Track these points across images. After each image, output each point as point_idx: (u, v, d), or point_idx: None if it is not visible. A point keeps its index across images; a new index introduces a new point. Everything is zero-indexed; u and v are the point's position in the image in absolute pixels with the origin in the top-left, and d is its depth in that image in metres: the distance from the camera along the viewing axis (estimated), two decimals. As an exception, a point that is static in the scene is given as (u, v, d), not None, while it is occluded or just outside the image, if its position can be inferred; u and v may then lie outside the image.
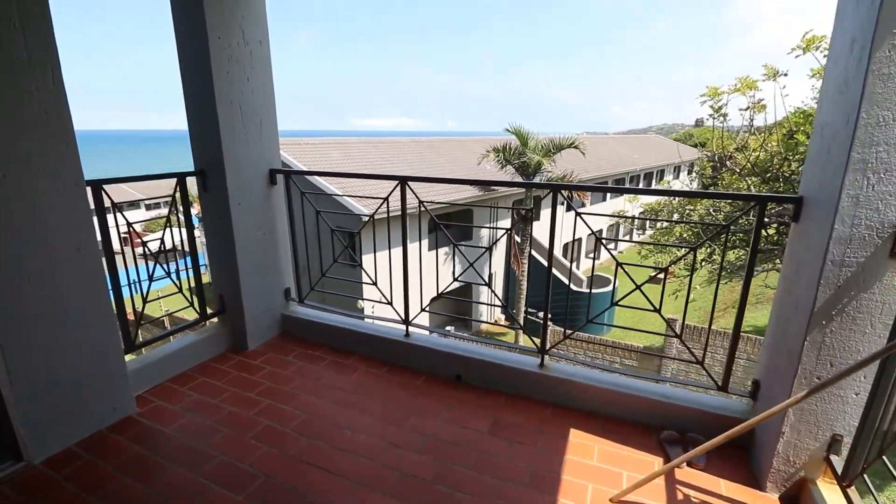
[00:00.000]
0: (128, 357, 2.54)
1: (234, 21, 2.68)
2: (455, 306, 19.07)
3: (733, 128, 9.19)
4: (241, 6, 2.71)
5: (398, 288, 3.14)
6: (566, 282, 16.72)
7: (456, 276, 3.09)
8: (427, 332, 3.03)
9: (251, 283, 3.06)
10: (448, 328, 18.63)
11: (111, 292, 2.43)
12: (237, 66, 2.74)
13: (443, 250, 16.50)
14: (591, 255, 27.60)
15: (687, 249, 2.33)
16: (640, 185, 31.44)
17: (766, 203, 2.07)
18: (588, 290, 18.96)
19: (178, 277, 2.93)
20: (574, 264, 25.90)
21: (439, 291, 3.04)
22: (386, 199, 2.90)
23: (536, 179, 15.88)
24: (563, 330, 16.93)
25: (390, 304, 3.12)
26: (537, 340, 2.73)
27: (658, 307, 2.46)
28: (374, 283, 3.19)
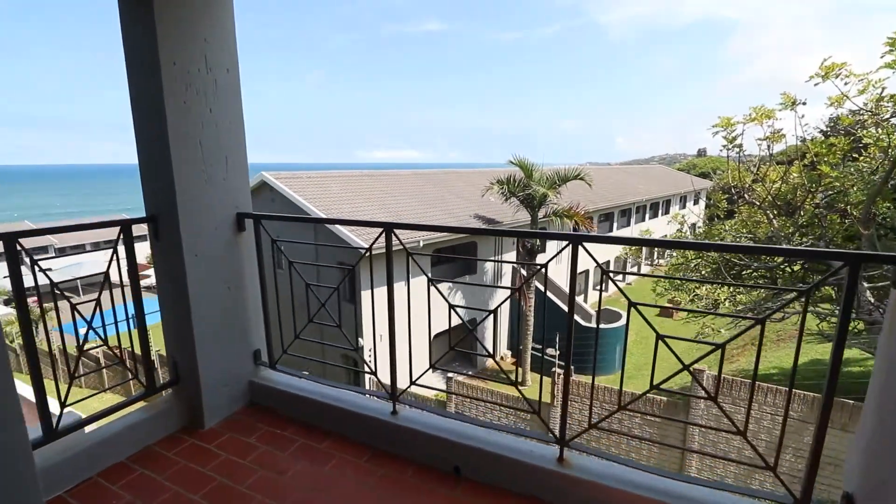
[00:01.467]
0: (45, 448, 2.04)
1: (194, 45, 2.30)
2: (458, 342, 18.35)
3: (744, 158, 8.79)
4: (204, 29, 2.34)
5: (389, 349, 2.63)
6: (577, 319, 15.97)
7: (452, 320, 2.55)
8: (420, 411, 2.49)
9: (211, 348, 2.57)
10: (454, 364, 17.88)
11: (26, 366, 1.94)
12: (197, 96, 2.35)
13: (445, 285, 15.99)
14: (599, 287, 26.71)
15: (752, 321, 1.82)
16: (647, 216, 31.05)
17: (859, 263, 1.57)
18: (598, 326, 18.16)
19: (120, 343, 2.45)
20: (582, 296, 25.21)
21: (434, 338, 2.52)
22: (369, 248, 2.43)
23: (542, 212, 15.51)
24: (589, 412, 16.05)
25: (374, 374, 2.60)
26: (555, 427, 2.18)
27: (688, 365, 1.94)
28: (356, 349, 2.67)
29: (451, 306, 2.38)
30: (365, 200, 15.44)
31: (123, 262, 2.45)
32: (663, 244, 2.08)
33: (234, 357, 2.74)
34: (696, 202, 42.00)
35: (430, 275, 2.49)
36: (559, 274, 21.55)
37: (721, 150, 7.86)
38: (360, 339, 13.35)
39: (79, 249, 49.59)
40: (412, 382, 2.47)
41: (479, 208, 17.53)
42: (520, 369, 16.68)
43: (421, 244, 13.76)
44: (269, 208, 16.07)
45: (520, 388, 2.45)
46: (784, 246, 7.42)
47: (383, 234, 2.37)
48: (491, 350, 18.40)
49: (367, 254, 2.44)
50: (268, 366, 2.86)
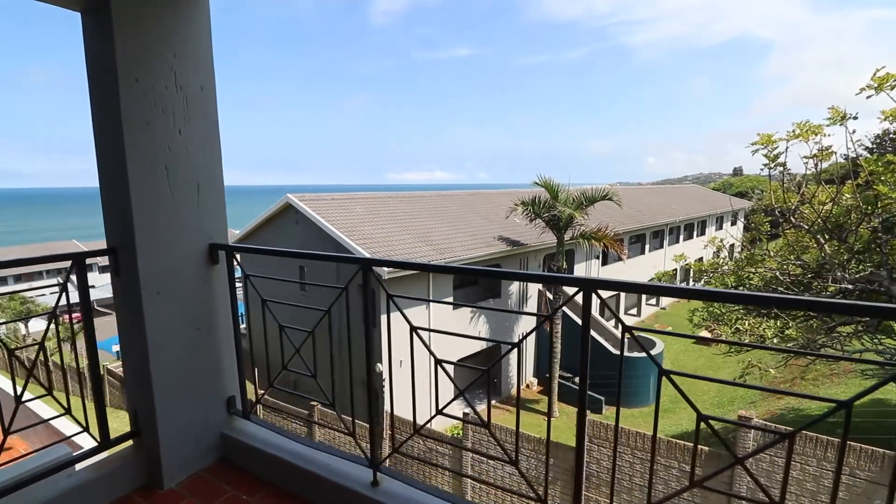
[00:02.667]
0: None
1: (160, 59, 2.08)
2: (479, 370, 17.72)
3: (786, 177, 8.11)
4: (173, 42, 2.13)
5: (368, 406, 2.27)
6: (605, 345, 15.19)
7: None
8: (407, 486, 2.09)
9: (175, 396, 2.27)
10: (477, 392, 17.23)
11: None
12: (164, 115, 2.12)
13: (468, 310, 15.53)
14: (623, 340, 25.90)
15: (834, 405, 1.32)
16: (681, 237, 29.80)
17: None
18: (628, 354, 17.26)
19: (67, 391, 2.18)
20: (612, 322, 24.12)
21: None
22: (345, 288, 2.10)
23: (568, 233, 14.96)
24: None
25: (351, 435, 2.23)
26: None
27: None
28: (331, 404, 2.32)
29: (438, 361, 2.00)
30: (387, 222, 15.32)
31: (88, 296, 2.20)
32: (683, 293, 1.60)
33: (204, 406, 2.43)
34: (733, 223, 40.20)
35: (452, 298, 2.10)
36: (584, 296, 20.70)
37: (762, 169, 7.25)
38: (378, 365, 13.01)
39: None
40: (394, 450, 2.08)
41: (503, 230, 17.13)
42: (544, 399, 15.88)
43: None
44: (293, 230, 16.18)
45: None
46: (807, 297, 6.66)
47: (361, 272, 2.02)
48: (516, 377, 17.69)
49: (343, 294, 2.09)
50: (241, 416, 2.54)
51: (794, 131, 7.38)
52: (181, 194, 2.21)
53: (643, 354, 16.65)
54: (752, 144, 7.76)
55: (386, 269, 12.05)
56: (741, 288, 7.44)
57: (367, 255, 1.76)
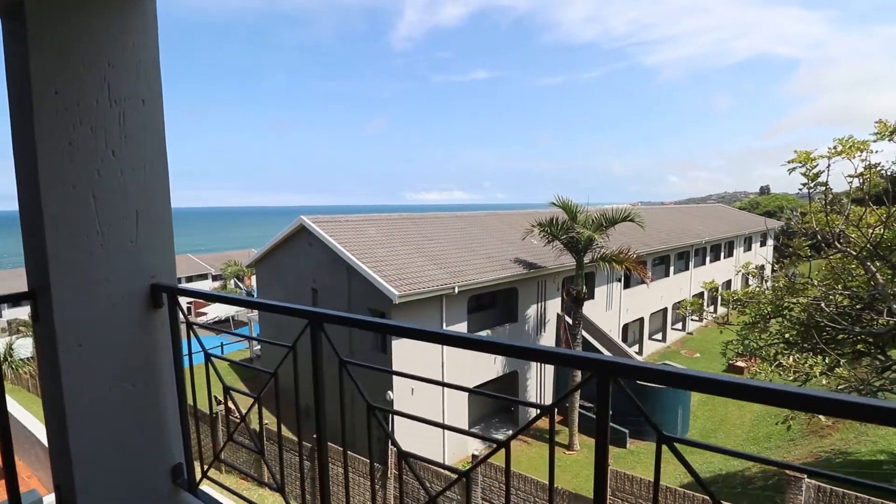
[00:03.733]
0: None
1: (90, 69, 1.77)
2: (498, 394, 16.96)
3: (819, 196, 7.46)
4: (107, 51, 1.81)
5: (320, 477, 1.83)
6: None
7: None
8: None
9: (102, 467, 1.88)
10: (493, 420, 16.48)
11: None
12: (93, 134, 1.79)
13: (484, 335, 14.94)
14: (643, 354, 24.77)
15: None
16: (707, 258, 28.64)
17: None
18: (654, 385, 16.26)
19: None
20: (635, 347, 23.10)
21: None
22: (292, 347, 1.69)
23: (588, 256, 14.35)
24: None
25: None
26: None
27: None
28: (280, 491, 1.88)
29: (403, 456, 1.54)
30: (402, 244, 15.02)
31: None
32: (734, 390, 1.14)
33: (143, 477, 2.03)
34: (762, 244, 38.59)
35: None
36: (607, 321, 19.87)
37: (800, 189, 6.64)
38: (389, 393, 12.51)
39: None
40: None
41: (519, 251, 16.62)
42: (564, 429, 15.03)
43: (456, 290, 12.99)
44: (308, 252, 16.04)
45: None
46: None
47: (309, 329, 1.60)
48: (534, 400, 16.87)
49: (291, 353, 1.68)
50: (187, 489, 2.13)
51: (835, 147, 6.78)
52: (113, 227, 1.87)
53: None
54: (789, 162, 7.17)
55: (397, 292, 11.68)
56: (782, 321, 6.74)
57: (316, 311, 1.40)
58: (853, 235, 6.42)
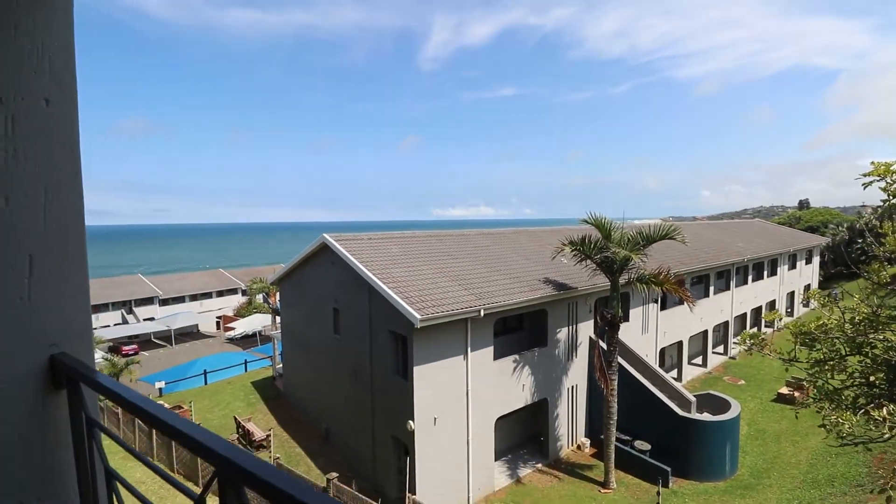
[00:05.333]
0: None
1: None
2: (525, 425, 16.02)
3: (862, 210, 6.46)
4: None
5: None
6: (670, 405, 13.13)
7: None
8: None
9: None
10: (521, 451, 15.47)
11: None
12: (-39, 147, 1.24)
13: (511, 360, 14.09)
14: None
15: None
16: (749, 277, 26.88)
17: None
18: (698, 417, 14.87)
19: None
20: (673, 373, 21.61)
21: None
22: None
23: (623, 277, 13.39)
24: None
25: None
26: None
27: None
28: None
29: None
30: (424, 263, 14.43)
31: None
32: None
33: None
34: (807, 261, 36.19)
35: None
36: (643, 344, 18.62)
37: (863, 206, 5.67)
38: (410, 423, 11.78)
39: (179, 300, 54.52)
40: None
41: (549, 271, 15.76)
42: (599, 464, 13.88)
43: (482, 314, 12.25)
44: (329, 271, 15.67)
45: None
46: None
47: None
48: (566, 436, 15.78)
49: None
50: None
51: (923, 158, 5.82)
52: (-7, 278, 1.31)
53: (717, 418, 14.36)
54: (864, 175, 6.25)
55: (419, 315, 11.04)
56: (865, 361, 5.71)
57: (232, 458, 0.86)
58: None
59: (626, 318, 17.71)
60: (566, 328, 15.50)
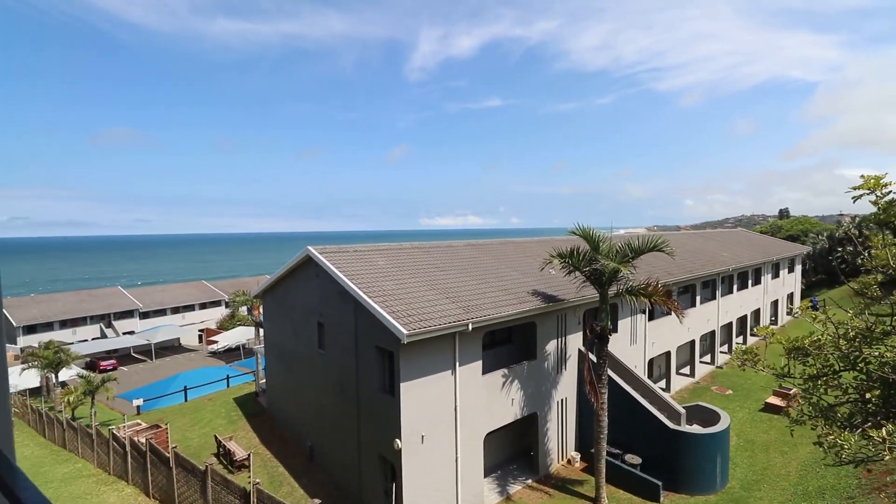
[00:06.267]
0: None
1: None
2: (515, 440, 15.74)
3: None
4: None
5: None
6: (659, 417, 12.91)
7: None
8: None
9: None
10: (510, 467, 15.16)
11: None
12: None
13: (500, 374, 13.85)
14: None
15: None
16: (734, 286, 27.15)
17: None
18: (688, 429, 14.72)
19: None
20: (662, 383, 21.58)
21: None
22: None
23: (612, 289, 13.30)
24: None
25: None
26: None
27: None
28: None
29: None
30: (411, 276, 14.17)
31: None
32: None
33: None
34: (790, 270, 36.78)
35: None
36: (632, 355, 18.56)
37: (841, 215, 5.61)
38: (397, 441, 11.42)
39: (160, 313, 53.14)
40: None
41: (537, 283, 15.63)
42: (590, 479, 13.64)
43: (470, 327, 12.02)
44: (313, 284, 15.30)
45: None
46: None
47: None
48: (556, 450, 15.52)
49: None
50: None
51: (911, 172, 5.80)
52: None
53: (706, 430, 14.26)
54: (854, 189, 6.21)
55: (405, 330, 10.76)
56: (860, 377, 5.62)
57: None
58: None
59: (615, 330, 17.63)
60: (555, 340, 15.34)
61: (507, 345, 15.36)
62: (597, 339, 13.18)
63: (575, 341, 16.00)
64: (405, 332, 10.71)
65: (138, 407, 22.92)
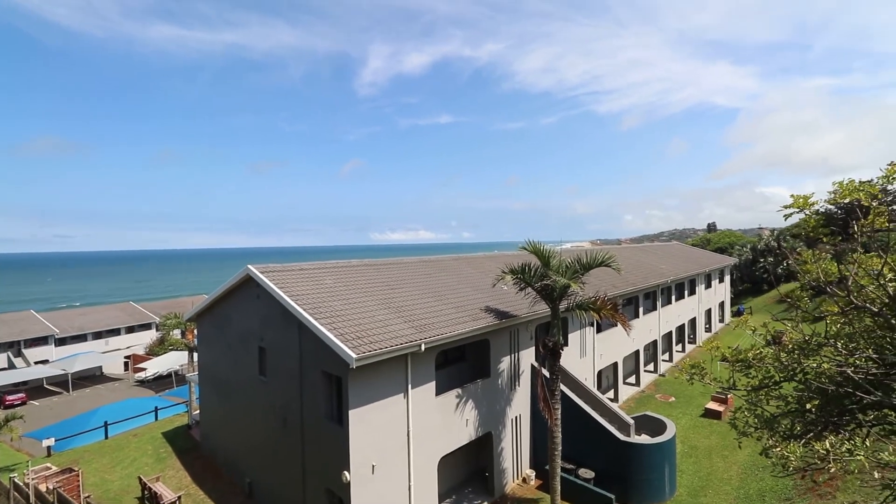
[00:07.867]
0: None
1: None
2: (470, 460, 15.36)
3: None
4: None
5: None
6: (609, 429, 12.99)
7: None
8: None
9: None
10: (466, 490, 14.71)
11: None
12: None
13: (454, 394, 13.48)
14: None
15: None
16: (672, 297, 28.61)
17: None
18: (638, 440, 14.97)
19: None
20: (610, 393, 22.09)
21: None
22: None
23: (563, 304, 13.42)
24: None
25: None
26: None
27: None
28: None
29: None
30: (362, 295, 13.58)
31: None
32: None
33: None
34: (720, 280, 39.50)
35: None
36: (582, 368, 18.86)
37: (760, 228, 5.89)
38: (345, 474, 10.70)
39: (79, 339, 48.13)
40: None
41: (491, 299, 15.52)
42: (546, 496, 13.49)
43: (423, 348, 11.60)
44: (255, 305, 14.28)
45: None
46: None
47: None
48: (511, 469, 15.29)
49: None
50: None
51: (835, 193, 6.19)
52: None
53: (654, 440, 14.60)
54: (786, 207, 6.54)
55: (354, 354, 10.17)
56: (799, 387, 5.84)
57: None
58: (869, 288, 5.72)
59: (566, 344, 17.85)
60: (508, 357, 15.23)
61: (461, 363, 15.05)
62: (549, 354, 13.18)
63: (528, 356, 15.99)
64: (354, 355, 10.12)
65: (49, 448, 20.24)
